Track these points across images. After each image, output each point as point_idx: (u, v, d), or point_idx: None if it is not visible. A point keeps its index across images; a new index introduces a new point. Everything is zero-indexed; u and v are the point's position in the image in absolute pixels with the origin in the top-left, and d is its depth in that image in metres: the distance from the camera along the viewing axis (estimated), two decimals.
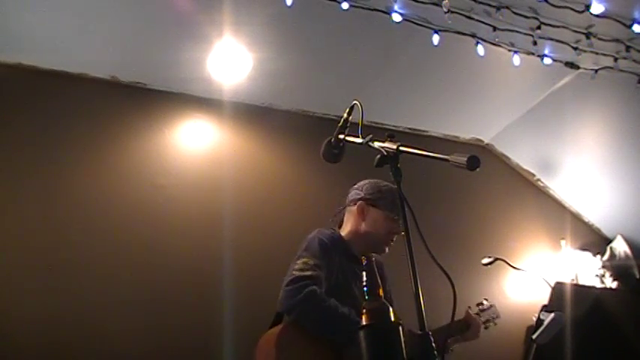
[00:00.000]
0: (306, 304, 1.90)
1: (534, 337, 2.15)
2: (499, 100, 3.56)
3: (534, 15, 2.85)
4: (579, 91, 3.29)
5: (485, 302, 2.48)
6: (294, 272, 1.97)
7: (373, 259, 1.44)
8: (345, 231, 2.27)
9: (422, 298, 1.31)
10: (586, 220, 4.14)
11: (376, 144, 1.54)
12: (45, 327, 2.55)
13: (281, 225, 3.18)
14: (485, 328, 2.41)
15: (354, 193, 2.29)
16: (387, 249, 2.22)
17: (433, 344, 1.25)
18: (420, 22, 2.80)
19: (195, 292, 2.83)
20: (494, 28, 2.86)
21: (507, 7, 2.78)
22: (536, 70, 3.13)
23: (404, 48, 3.04)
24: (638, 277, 3.78)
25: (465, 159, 1.29)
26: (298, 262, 2.00)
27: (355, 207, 2.24)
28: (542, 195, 4.10)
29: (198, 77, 3.12)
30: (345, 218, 2.31)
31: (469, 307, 2.41)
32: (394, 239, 2.21)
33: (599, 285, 3.75)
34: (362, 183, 2.29)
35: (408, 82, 3.35)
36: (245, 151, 3.33)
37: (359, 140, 1.69)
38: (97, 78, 3.12)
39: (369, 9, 2.71)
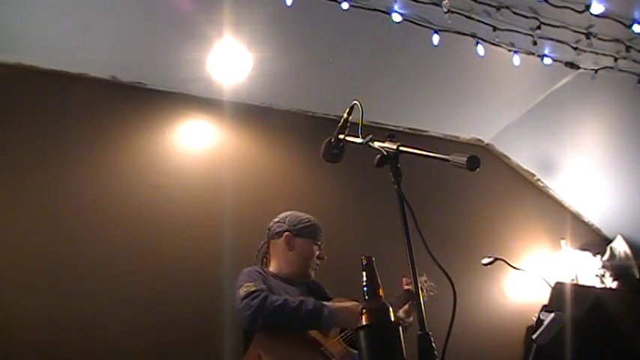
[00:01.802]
0: (264, 308, 1.97)
1: (534, 337, 2.15)
2: (499, 100, 3.56)
3: (534, 15, 2.85)
4: (579, 91, 3.29)
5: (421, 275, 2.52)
6: (240, 295, 2.04)
7: (373, 259, 1.44)
8: (272, 266, 2.39)
9: (422, 298, 1.31)
10: (586, 220, 4.14)
11: (376, 144, 1.54)
12: (45, 326, 2.55)
13: None
14: (431, 293, 2.50)
15: (277, 226, 2.41)
16: (313, 274, 2.38)
17: (433, 344, 1.25)
18: (420, 22, 2.80)
19: (195, 291, 2.83)
20: (494, 28, 2.86)
21: (507, 7, 2.78)
22: (536, 70, 3.13)
23: (404, 48, 3.04)
24: (638, 277, 3.78)
25: (465, 159, 1.29)
26: (240, 290, 2.07)
27: (282, 239, 2.36)
28: (542, 195, 4.10)
29: (198, 77, 3.12)
30: (270, 252, 2.42)
31: (405, 276, 2.44)
32: (319, 263, 2.38)
33: (599, 285, 3.75)
34: (282, 216, 2.43)
35: (408, 82, 3.35)
36: (245, 151, 3.33)
37: (359, 140, 1.69)
38: (97, 78, 3.12)
39: (369, 9, 2.71)
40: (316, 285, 2.42)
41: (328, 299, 2.35)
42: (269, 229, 2.43)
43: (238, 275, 2.19)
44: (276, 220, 2.43)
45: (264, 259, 2.44)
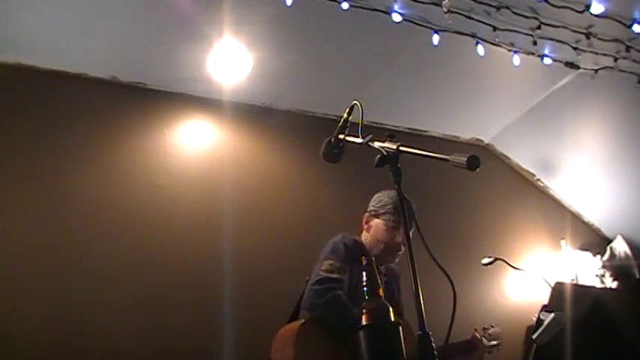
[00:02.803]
0: (330, 307, 1.97)
1: (534, 337, 2.15)
2: (499, 100, 3.56)
3: (534, 15, 2.85)
4: (579, 91, 3.29)
5: (492, 327, 2.52)
6: (320, 272, 2.03)
7: (373, 259, 1.44)
8: (363, 238, 2.36)
9: (422, 298, 1.31)
10: (586, 220, 4.14)
11: (376, 144, 1.54)
12: (45, 327, 2.55)
13: (281, 225, 3.19)
14: (489, 352, 2.47)
15: (370, 204, 2.38)
16: (394, 259, 2.31)
17: (433, 344, 1.25)
18: (420, 22, 2.80)
19: (195, 291, 2.83)
20: (495, 28, 2.86)
21: (507, 7, 2.78)
22: (536, 70, 3.13)
23: (404, 48, 3.04)
24: (638, 277, 3.78)
25: (465, 159, 1.29)
26: (325, 262, 2.06)
27: (363, 220, 2.36)
28: (542, 195, 4.10)
29: (198, 77, 3.12)
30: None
31: (475, 330, 2.45)
32: (401, 249, 2.27)
33: (599, 285, 3.75)
34: (377, 194, 2.37)
35: (408, 82, 3.35)
36: (245, 151, 3.33)
37: (359, 140, 1.69)
38: (97, 78, 3.12)
39: (369, 9, 2.71)
40: (394, 279, 2.35)
41: (396, 301, 2.30)
42: None
43: (334, 238, 2.17)
44: (374, 197, 2.38)
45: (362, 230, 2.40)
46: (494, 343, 2.49)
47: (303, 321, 2.01)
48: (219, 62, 3.03)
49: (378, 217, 2.31)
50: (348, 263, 2.10)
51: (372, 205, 2.35)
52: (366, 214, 2.35)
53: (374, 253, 2.26)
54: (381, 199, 2.35)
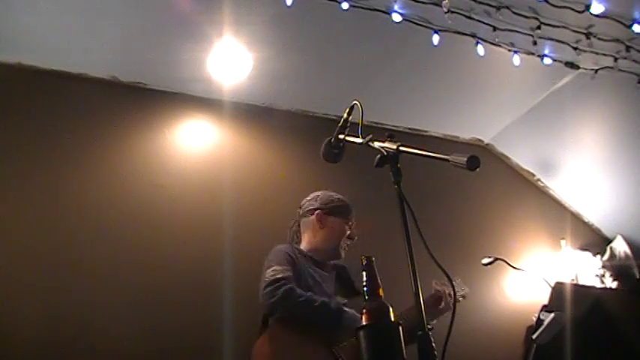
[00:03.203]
0: (286, 301, 2.00)
1: (534, 337, 2.15)
2: (499, 100, 3.56)
3: (534, 15, 2.85)
4: (579, 91, 3.29)
5: (456, 279, 2.54)
6: (266, 278, 2.08)
7: (373, 259, 1.44)
8: (303, 243, 2.41)
9: (422, 298, 1.31)
10: (586, 220, 4.14)
11: (376, 144, 1.55)
12: (45, 327, 2.55)
13: (281, 225, 3.17)
14: (458, 301, 2.51)
15: (309, 204, 2.45)
16: (343, 254, 2.40)
17: (433, 344, 1.25)
18: (420, 22, 2.80)
19: (195, 291, 2.83)
20: (495, 28, 2.86)
21: (507, 7, 2.78)
22: (536, 70, 3.13)
23: (404, 48, 3.04)
24: (638, 277, 3.78)
25: (465, 159, 1.29)
26: (267, 271, 2.11)
27: (313, 217, 2.39)
28: (542, 195, 4.10)
29: (198, 77, 3.12)
30: (301, 230, 2.45)
31: (435, 283, 2.46)
32: (349, 243, 2.40)
33: (599, 285, 3.75)
34: (314, 195, 2.47)
35: (408, 82, 3.35)
36: (245, 151, 3.33)
37: (359, 140, 1.69)
38: (97, 78, 3.12)
39: (369, 9, 2.71)
40: (345, 272, 2.42)
41: (354, 289, 2.36)
42: (300, 207, 2.47)
43: (271, 251, 2.22)
44: (309, 198, 2.47)
45: (295, 238, 2.46)
46: (462, 292, 2.54)
47: (269, 329, 2.04)
48: (219, 62, 3.03)
49: (334, 215, 2.38)
50: (291, 266, 2.15)
51: (320, 203, 2.41)
52: (318, 212, 2.39)
53: (322, 251, 2.34)
54: (327, 196, 2.43)
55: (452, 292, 2.46)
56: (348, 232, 2.39)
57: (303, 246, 2.38)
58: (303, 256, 2.28)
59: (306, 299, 2.02)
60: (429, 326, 2.29)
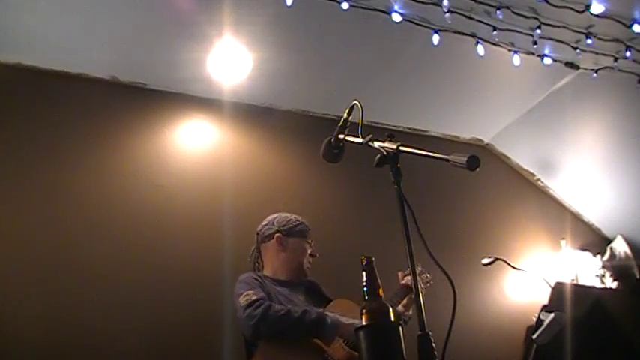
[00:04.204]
0: (267, 318, 1.98)
1: (534, 337, 2.15)
2: (499, 100, 3.56)
3: (534, 15, 2.85)
4: (579, 91, 3.29)
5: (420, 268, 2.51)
6: (241, 305, 2.04)
7: (373, 259, 1.44)
8: (267, 269, 2.39)
9: (422, 298, 1.31)
10: (586, 220, 4.14)
11: (376, 144, 1.54)
12: (45, 326, 2.55)
13: None
14: (424, 287, 2.48)
15: (266, 229, 2.41)
16: (308, 272, 2.39)
17: (433, 344, 1.25)
18: (420, 22, 2.80)
19: (195, 291, 2.83)
20: (495, 28, 2.86)
21: (507, 7, 2.78)
22: (536, 70, 3.13)
23: (404, 48, 3.04)
24: (638, 277, 3.78)
25: (465, 159, 1.29)
26: (240, 298, 2.07)
27: (273, 240, 2.37)
28: (542, 195, 4.10)
29: (198, 77, 3.12)
30: (263, 256, 2.42)
31: (399, 271, 2.46)
32: (311, 261, 2.40)
33: (599, 285, 3.75)
34: (269, 219, 2.44)
35: (408, 82, 3.35)
36: (245, 151, 3.33)
37: (359, 140, 1.69)
38: (97, 78, 3.12)
39: (369, 9, 2.71)
40: (314, 285, 2.43)
41: (327, 299, 2.35)
42: (257, 233, 2.44)
43: (235, 283, 2.19)
44: (264, 223, 2.44)
45: (257, 264, 2.44)
46: (426, 280, 2.51)
47: (260, 350, 2.00)
48: (219, 62, 3.03)
49: (293, 236, 2.37)
50: (260, 287, 2.13)
51: (278, 226, 2.38)
52: (277, 234, 2.36)
53: (286, 273, 2.33)
54: (283, 218, 2.42)
55: (422, 280, 2.49)
56: (310, 251, 2.39)
57: (267, 271, 2.36)
58: (269, 280, 2.27)
59: (286, 311, 2.00)
60: (405, 318, 2.32)
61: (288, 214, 2.46)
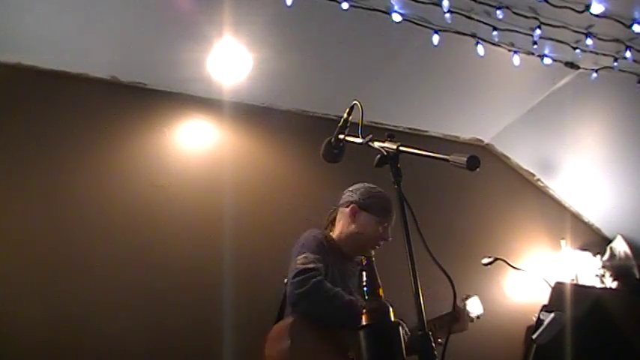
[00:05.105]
0: (315, 295, 1.92)
1: (534, 337, 2.15)
2: (499, 100, 3.56)
3: (534, 15, 2.85)
4: (579, 91, 3.29)
5: (471, 296, 2.49)
6: (297, 266, 1.99)
7: (373, 259, 1.44)
8: (335, 232, 2.32)
9: (422, 298, 1.31)
10: (586, 220, 4.14)
11: (376, 144, 1.55)
12: (45, 326, 2.55)
13: (281, 225, 3.18)
14: (471, 321, 2.45)
15: (348, 195, 2.32)
16: (372, 252, 2.25)
17: (433, 344, 1.25)
18: (420, 22, 2.80)
19: (195, 291, 2.83)
20: (495, 28, 2.86)
21: (507, 7, 2.78)
22: (536, 70, 3.13)
23: (404, 48, 3.04)
24: (638, 277, 3.78)
25: (465, 159, 1.29)
26: (299, 257, 2.03)
27: (348, 209, 2.28)
28: (542, 195, 4.10)
29: (198, 77, 3.12)
30: (337, 219, 2.35)
31: (462, 296, 2.44)
32: (381, 244, 2.26)
33: (599, 285, 3.75)
34: (356, 186, 2.33)
35: (408, 82, 3.35)
36: (245, 151, 3.33)
37: (359, 140, 1.69)
38: (97, 78, 3.12)
39: (369, 9, 2.71)
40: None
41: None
42: (343, 194, 2.35)
43: (304, 235, 2.15)
44: (351, 188, 2.33)
45: (330, 225, 2.36)
46: (478, 313, 2.46)
47: (292, 319, 1.97)
48: (219, 62, 3.03)
49: (368, 211, 2.25)
50: (321, 255, 2.07)
51: (359, 196, 2.28)
52: (353, 205, 2.26)
53: (351, 245, 2.24)
54: (368, 190, 2.30)
55: (469, 313, 2.42)
56: (381, 233, 2.23)
57: (335, 235, 2.28)
58: (332, 246, 2.20)
59: (334, 294, 1.94)
60: (439, 341, 2.26)
61: (376, 189, 2.30)
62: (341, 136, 1.83)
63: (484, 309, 2.48)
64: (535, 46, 2.96)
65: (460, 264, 2.66)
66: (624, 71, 3.13)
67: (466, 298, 2.47)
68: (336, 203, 2.38)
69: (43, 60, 2.98)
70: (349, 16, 2.70)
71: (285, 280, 2.07)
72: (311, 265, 1.98)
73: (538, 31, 2.88)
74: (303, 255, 2.03)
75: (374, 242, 2.24)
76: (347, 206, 2.29)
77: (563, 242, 3.91)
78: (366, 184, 2.32)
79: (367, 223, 2.23)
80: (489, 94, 3.49)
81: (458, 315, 2.36)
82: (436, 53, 2.96)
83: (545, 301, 2.40)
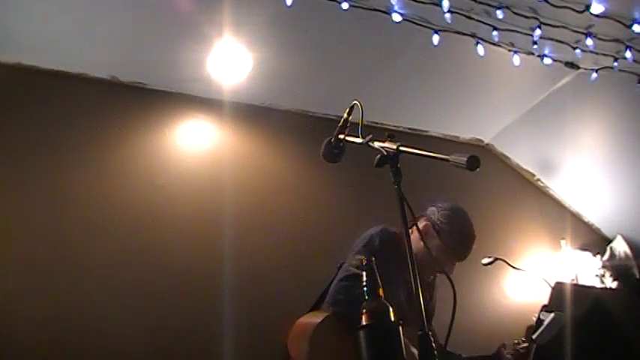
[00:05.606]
0: (353, 306, 1.88)
1: (534, 337, 2.15)
2: (499, 100, 3.56)
3: (534, 15, 2.85)
4: (579, 91, 3.29)
5: (523, 343, 2.40)
6: (350, 268, 1.94)
7: (373, 259, 1.44)
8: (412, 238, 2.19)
9: (422, 298, 1.31)
10: (586, 220, 4.14)
11: (376, 144, 1.54)
12: (45, 327, 2.55)
13: (281, 225, 3.19)
14: None
15: (432, 210, 2.20)
16: (431, 277, 2.18)
17: (433, 344, 1.25)
18: (420, 22, 2.79)
19: (195, 291, 2.84)
20: (495, 28, 2.85)
21: (507, 7, 2.78)
22: (536, 70, 3.13)
23: (404, 48, 3.04)
24: (638, 277, 3.78)
25: (465, 159, 1.29)
26: (354, 256, 1.97)
27: (422, 225, 2.15)
28: (542, 195, 4.10)
29: (198, 77, 3.12)
30: (418, 224, 2.13)
31: (503, 345, 2.36)
32: (437, 274, 2.16)
33: (599, 285, 3.75)
34: (445, 205, 2.20)
35: (408, 82, 3.35)
36: (245, 151, 3.33)
37: (359, 140, 1.69)
38: (97, 78, 3.12)
39: (369, 9, 2.70)
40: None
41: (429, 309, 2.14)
42: (429, 207, 2.21)
43: (369, 232, 2.07)
44: (440, 203, 2.20)
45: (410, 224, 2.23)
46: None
47: (322, 318, 1.92)
48: (219, 62, 3.03)
49: (439, 238, 2.10)
50: (380, 258, 1.88)
51: (438, 217, 2.14)
52: (428, 223, 2.13)
53: (416, 258, 2.10)
54: (449, 215, 2.16)
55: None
56: (443, 265, 2.06)
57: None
58: (401, 247, 2.06)
59: None
60: None
61: (464, 216, 2.15)
62: (341, 136, 1.83)
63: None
64: (535, 46, 2.96)
65: (460, 264, 2.66)
66: (624, 71, 3.13)
67: (518, 345, 2.37)
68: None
69: (42, 60, 2.98)
70: (349, 16, 2.70)
71: (339, 265, 2.03)
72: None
73: (538, 31, 2.88)
74: (361, 257, 1.96)
75: (431, 269, 2.13)
76: (426, 220, 2.17)
77: (563, 242, 3.91)
78: (456, 207, 2.20)
79: (434, 248, 2.08)
80: (489, 94, 3.49)
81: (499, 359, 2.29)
82: (436, 53, 2.96)
83: (545, 301, 2.39)
